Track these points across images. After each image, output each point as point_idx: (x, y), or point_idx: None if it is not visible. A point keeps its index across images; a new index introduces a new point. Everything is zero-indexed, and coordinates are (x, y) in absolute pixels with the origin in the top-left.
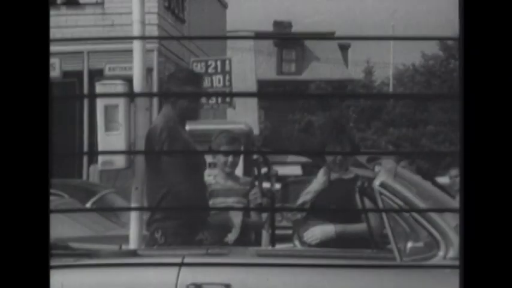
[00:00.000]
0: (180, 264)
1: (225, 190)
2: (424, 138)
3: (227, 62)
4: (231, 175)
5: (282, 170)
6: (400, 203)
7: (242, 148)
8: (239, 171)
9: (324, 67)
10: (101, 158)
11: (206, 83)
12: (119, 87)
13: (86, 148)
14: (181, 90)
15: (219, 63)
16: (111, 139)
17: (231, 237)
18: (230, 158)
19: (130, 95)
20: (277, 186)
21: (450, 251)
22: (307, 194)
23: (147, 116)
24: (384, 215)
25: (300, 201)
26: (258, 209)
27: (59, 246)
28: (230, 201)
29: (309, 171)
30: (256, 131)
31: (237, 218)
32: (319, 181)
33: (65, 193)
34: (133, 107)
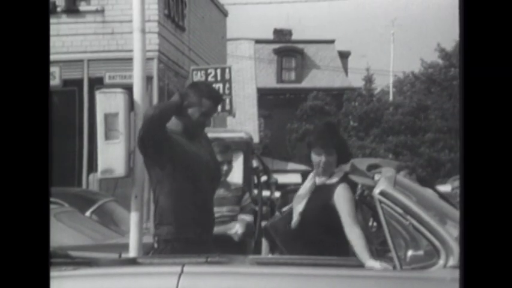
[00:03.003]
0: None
1: (218, 199)
2: (423, 146)
3: (227, 70)
4: (223, 183)
5: (282, 178)
6: (400, 211)
7: (242, 155)
8: (239, 179)
9: (323, 75)
10: (100, 167)
11: None
12: (119, 95)
13: (86, 157)
14: (198, 101)
15: (219, 71)
16: (111, 148)
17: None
18: (225, 167)
19: None
20: (277, 194)
21: (450, 260)
22: (297, 204)
23: None
24: (384, 223)
25: (291, 209)
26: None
27: (59, 254)
28: (224, 210)
29: None
30: (256, 139)
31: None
32: (305, 186)
33: (64, 201)
34: (133, 116)
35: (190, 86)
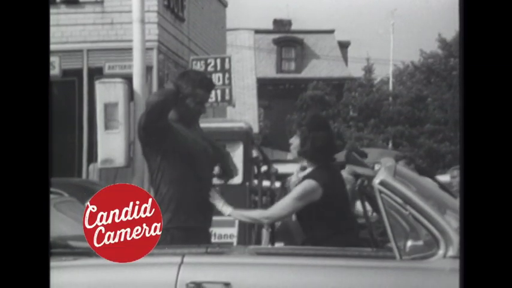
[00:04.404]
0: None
1: None
2: (422, 137)
3: (227, 60)
4: None
5: (282, 168)
6: (400, 201)
7: (241, 145)
8: (239, 169)
9: (323, 65)
10: (100, 157)
11: None
12: (119, 85)
13: (85, 147)
14: (192, 91)
15: (218, 61)
16: (111, 137)
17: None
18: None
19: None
20: (277, 184)
21: (450, 250)
22: None
23: None
24: (384, 213)
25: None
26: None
27: (59, 244)
28: None
29: None
30: (255, 130)
31: None
32: (295, 174)
33: (64, 191)
34: (132, 106)
35: (181, 76)
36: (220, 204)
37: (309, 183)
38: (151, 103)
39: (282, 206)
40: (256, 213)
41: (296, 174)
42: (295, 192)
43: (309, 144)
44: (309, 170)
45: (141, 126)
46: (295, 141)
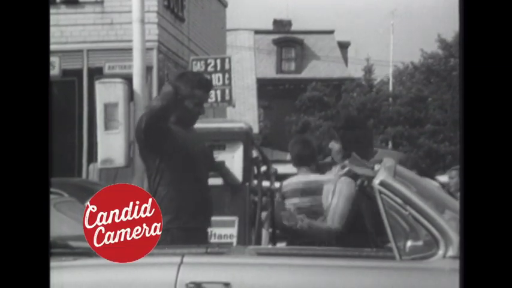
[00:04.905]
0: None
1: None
2: (422, 137)
3: (227, 60)
4: None
5: (282, 169)
6: (400, 201)
7: (241, 146)
8: (239, 170)
9: (323, 65)
10: (100, 157)
11: None
12: (119, 85)
13: (85, 147)
14: (190, 92)
15: (218, 61)
16: (111, 138)
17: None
18: None
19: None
20: (277, 184)
21: (450, 250)
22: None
23: None
24: (384, 214)
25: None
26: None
27: (59, 244)
28: None
29: None
30: (255, 130)
31: None
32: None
33: (64, 191)
34: (132, 106)
35: (178, 77)
36: (303, 221)
37: (346, 180)
38: (155, 107)
39: (340, 213)
40: (325, 228)
41: (337, 173)
42: (342, 194)
43: (351, 145)
44: (347, 168)
45: (141, 129)
46: (335, 146)
